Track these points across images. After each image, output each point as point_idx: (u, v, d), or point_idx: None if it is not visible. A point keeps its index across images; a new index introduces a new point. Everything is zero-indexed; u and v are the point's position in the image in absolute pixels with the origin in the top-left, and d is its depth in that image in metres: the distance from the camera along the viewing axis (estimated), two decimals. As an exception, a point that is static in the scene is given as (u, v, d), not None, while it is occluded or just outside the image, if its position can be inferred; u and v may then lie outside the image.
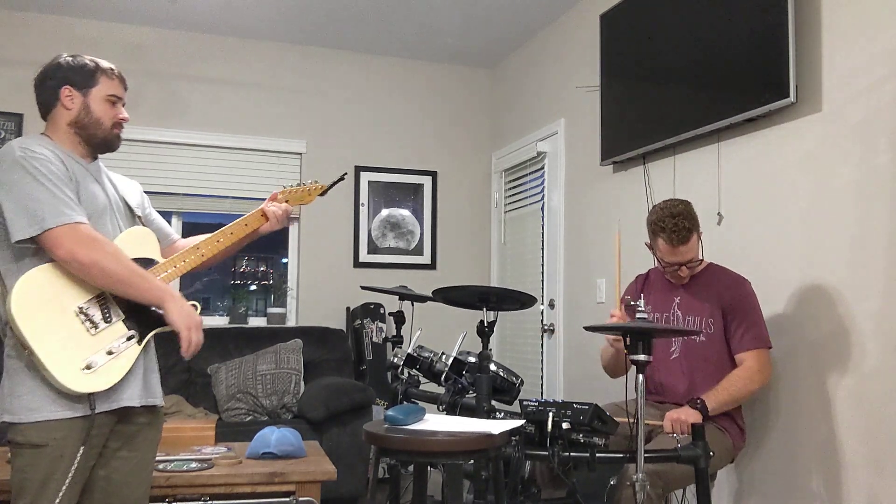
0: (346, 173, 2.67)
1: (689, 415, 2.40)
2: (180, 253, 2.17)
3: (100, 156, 2.12)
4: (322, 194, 2.41)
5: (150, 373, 2.10)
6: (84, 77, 2.03)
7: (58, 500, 1.85)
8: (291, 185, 2.37)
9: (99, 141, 2.06)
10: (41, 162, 1.90)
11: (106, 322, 1.95)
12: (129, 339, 1.98)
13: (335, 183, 2.45)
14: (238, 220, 2.26)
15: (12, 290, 1.85)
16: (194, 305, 2.06)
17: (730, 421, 2.60)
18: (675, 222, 2.55)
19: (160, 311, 2.02)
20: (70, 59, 2.06)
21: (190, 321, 1.97)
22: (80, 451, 1.88)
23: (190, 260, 2.16)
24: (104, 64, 2.09)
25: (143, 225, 2.19)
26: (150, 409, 2.11)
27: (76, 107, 2.02)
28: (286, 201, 2.33)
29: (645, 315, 2.19)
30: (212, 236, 2.21)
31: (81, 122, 2.03)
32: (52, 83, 2.03)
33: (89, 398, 1.88)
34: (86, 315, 1.92)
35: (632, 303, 2.30)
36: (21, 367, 1.89)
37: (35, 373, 1.87)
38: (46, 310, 1.87)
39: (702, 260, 2.69)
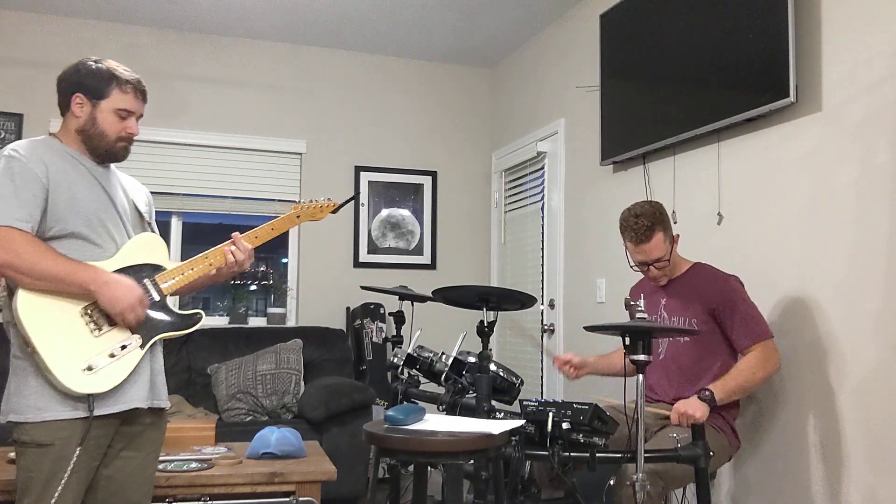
0: (357, 193, 2.72)
1: (697, 408, 2.36)
2: (188, 261, 2.17)
3: None
4: (334, 212, 2.45)
5: (157, 375, 2.11)
6: (97, 87, 2.01)
7: (54, 500, 1.86)
8: (304, 202, 2.39)
9: (102, 152, 2.06)
10: (18, 163, 1.90)
11: (110, 325, 1.96)
12: (132, 342, 1.99)
13: (347, 202, 2.54)
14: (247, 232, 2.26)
15: (20, 288, 1.87)
16: (197, 312, 2.08)
17: (723, 422, 2.60)
18: (635, 221, 2.61)
19: (165, 318, 2.06)
20: (91, 64, 2.03)
21: (122, 305, 1.94)
22: (77, 452, 1.88)
23: (198, 268, 2.16)
24: (123, 76, 2.04)
25: (153, 231, 2.19)
26: (155, 411, 2.12)
27: (84, 115, 2.02)
28: (297, 216, 2.35)
29: (645, 315, 2.20)
30: (218, 247, 2.20)
31: (87, 132, 2.03)
32: (65, 87, 2.03)
33: (88, 399, 1.89)
34: (90, 317, 1.94)
35: (632, 303, 2.31)
36: (27, 367, 1.90)
37: (40, 372, 1.88)
38: (52, 309, 1.89)
39: (669, 261, 2.65)
